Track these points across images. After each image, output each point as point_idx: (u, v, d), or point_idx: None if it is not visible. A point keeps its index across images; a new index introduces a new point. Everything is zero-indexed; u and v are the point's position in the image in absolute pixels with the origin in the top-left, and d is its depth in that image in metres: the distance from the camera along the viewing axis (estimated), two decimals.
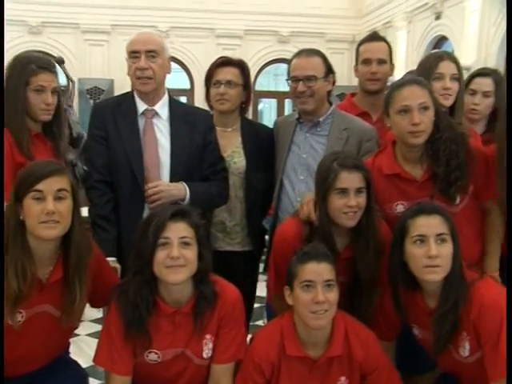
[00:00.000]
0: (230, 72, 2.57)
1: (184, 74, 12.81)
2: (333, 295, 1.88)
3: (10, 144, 2.18)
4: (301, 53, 2.53)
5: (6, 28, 2.83)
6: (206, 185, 2.40)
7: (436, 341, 1.89)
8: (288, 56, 2.66)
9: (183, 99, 13.16)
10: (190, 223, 1.90)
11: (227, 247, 2.60)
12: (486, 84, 2.70)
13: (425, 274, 1.86)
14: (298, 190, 2.45)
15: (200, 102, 2.73)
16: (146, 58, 2.32)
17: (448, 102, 2.45)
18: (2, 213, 1.91)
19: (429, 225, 1.87)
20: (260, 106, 14.05)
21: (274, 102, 13.29)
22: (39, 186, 1.78)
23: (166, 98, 2.43)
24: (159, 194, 2.26)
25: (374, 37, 2.89)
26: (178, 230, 1.87)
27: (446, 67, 2.45)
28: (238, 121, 2.66)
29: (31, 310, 1.87)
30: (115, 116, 2.35)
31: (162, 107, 2.41)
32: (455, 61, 2.50)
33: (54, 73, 2.31)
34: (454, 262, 1.86)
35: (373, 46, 2.81)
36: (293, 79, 2.48)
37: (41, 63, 2.27)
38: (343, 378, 1.95)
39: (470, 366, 1.90)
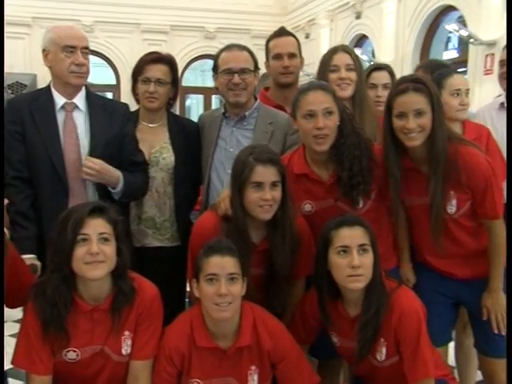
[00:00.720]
0: (160, 70, 2.56)
1: (109, 69, 12.59)
2: (236, 288, 1.92)
3: None
4: (232, 47, 2.57)
5: None
6: (133, 176, 2.40)
7: (360, 348, 1.97)
8: (214, 52, 2.69)
9: (109, 95, 12.95)
10: (108, 219, 1.92)
11: (157, 243, 2.60)
12: (383, 77, 2.86)
13: (348, 282, 1.94)
14: (226, 183, 2.46)
15: (126, 97, 2.71)
16: (83, 54, 2.34)
17: (346, 93, 2.52)
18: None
19: (351, 236, 1.95)
20: (187, 102, 13.99)
21: (201, 97, 13.29)
22: None
23: (83, 90, 2.43)
24: (94, 174, 2.26)
25: (283, 32, 2.94)
26: (96, 226, 1.88)
27: (340, 59, 2.54)
28: (164, 116, 2.66)
29: None
30: (32, 110, 2.32)
31: (81, 100, 2.40)
32: (349, 52, 2.58)
33: None
34: (374, 271, 1.96)
35: (282, 40, 2.87)
36: (226, 71, 2.50)
37: None
38: (253, 367, 2.00)
39: (385, 370, 2.02)
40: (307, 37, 11.14)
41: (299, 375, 2.02)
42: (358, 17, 9.92)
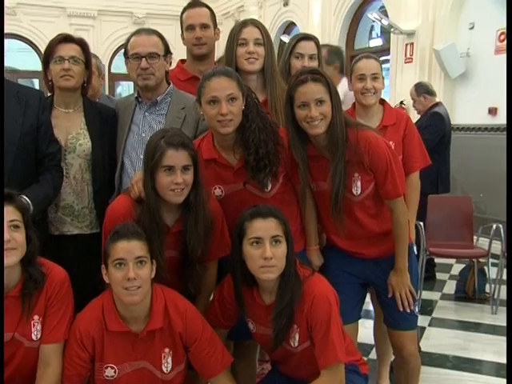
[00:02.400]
0: (72, 48, 2.51)
1: (34, 54, 12.20)
2: (144, 272, 1.93)
3: None
4: (140, 31, 2.55)
5: None
6: (44, 188, 2.35)
7: (275, 336, 2.02)
8: None
9: (35, 82, 12.54)
10: (17, 207, 1.91)
11: (76, 231, 2.56)
12: (310, 47, 2.85)
13: (261, 273, 1.98)
14: (138, 168, 2.45)
15: None
16: None
17: (254, 67, 2.53)
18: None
19: (264, 228, 1.98)
20: (118, 89, 13.75)
21: (131, 84, 13.07)
22: None
23: None
24: None
25: (195, 3, 2.93)
26: (7, 214, 1.87)
27: (249, 32, 2.53)
28: (80, 101, 2.61)
29: None
30: None
31: None
32: (259, 26, 2.58)
33: None
34: (288, 260, 2.00)
35: (194, 11, 2.88)
36: (134, 56, 2.48)
37: None
38: (167, 350, 2.03)
39: (298, 355, 2.08)
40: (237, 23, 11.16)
41: (212, 356, 2.06)
42: (286, 4, 10.03)
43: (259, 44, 2.52)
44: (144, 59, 2.46)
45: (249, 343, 2.46)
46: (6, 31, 2.36)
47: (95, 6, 11.86)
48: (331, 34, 8.79)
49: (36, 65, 11.94)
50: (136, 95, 2.60)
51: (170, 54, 2.59)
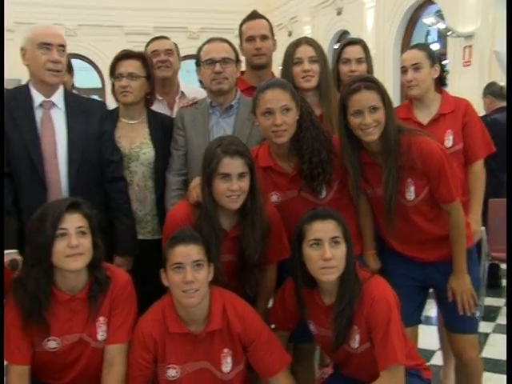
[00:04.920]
0: (131, 64, 2.63)
1: (94, 72, 12.62)
2: (202, 275, 1.98)
3: None
4: (213, 39, 2.67)
5: None
6: (120, 225, 2.51)
7: (335, 337, 2.03)
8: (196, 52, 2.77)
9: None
10: (84, 214, 2.00)
11: (139, 236, 2.65)
12: (357, 51, 2.87)
13: (321, 274, 2.01)
14: None
15: (112, 100, 2.77)
16: (58, 52, 2.38)
17: (310, 84, 2.58)
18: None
19: (323, 229, 2.01)
20: None
21: None
22: None
23: (61, 89, 2.48)
24: None
25: (255, 15, 3.03)
26: (74, 221, 1.95)
27: (303, 51, 2.58)
28: (143, 112, 2.72)
29: None
30: (11, 108, 2.37)
31: (59, 98, 2.45)
32: (312, 44, 2.63)
33: None
34: (347, 262, 2.02)
35: (254, 23, 2.96)
36: (208, 62, 2.58)
37: None
38: (226, 350, 2.07)
39: (359, 356, 2.07)
40: (290, 34, 11.22)
41: (270, 355, 2.09)
42: (339, 13, 10.03)
43: (314, 61, 2.57)
44: (218, 64, 2.55)
45: (308, 346, 2.46)
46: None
47: (151, 23, 12.16)
48: (386, 40, 8.72)
49: (96, 82, 12.36)
50: (209, 100, 2.66)
51: (240, 61, 2.68)
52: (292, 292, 2.14)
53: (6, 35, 10.82)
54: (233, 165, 2.10)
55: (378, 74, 2.84)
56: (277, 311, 2.26)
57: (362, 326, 2.02)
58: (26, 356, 2.00)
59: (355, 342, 2.04)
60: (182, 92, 3.23)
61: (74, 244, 1.92)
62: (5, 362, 2.10)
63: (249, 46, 2.94)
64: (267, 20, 3.03)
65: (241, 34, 3.00)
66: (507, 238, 2.22)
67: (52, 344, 2.01)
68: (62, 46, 2.42)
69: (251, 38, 2.92)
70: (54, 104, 2.44)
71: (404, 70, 2.69)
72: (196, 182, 2.25)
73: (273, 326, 2.28)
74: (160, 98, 3.04)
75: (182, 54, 3.55)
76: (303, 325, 2.20)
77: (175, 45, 3.30)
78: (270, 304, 2.39)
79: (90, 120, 2.46)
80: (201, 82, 2.74)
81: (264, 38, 2.93)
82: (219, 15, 11.81)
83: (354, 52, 2.86)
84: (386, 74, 8.26)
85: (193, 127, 2.65)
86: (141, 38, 12.68)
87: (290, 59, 2.59)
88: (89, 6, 11.59)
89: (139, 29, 12.11)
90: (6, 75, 3.11)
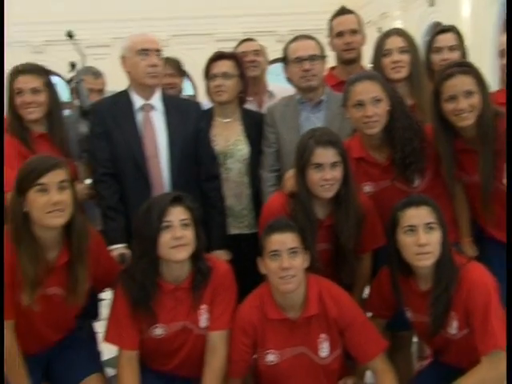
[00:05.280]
0: (224, 64, 2.76)
1: (186, 80, 13.05)
2: (297, 261, 2.05)
3: (14, 143, 2.44)
4: (299, 37, 2.75)
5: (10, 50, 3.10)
6: (215, 222, 2.60)
7: (433, 322, 2.03)
8: None
9: None
10: (187, 207, 2.11)
11: (236, 231, 2.75)
12: (449, 39, 2.84)
13: (416, 260, 2.03)
14: None
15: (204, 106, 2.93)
16: (156, 56, 2.55)
17: (400, 75, 2.58)
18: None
19: (417, 215, 2.03)
20: None
21: None
22: (42, 180, 1.96)
23: (159, 92, 2.64)
24: None
25: (344, 10, 3.08)
26: (178, 214, 2.07)
27: (392, 42, 2.60)
28: (237, 111, 2.84)
29: (42, 292, 2.04)
30: (114, 113, 2.55)
31: (157, 101, 2.61)
32: (402, 34, 2.63)
33: (33, 73, 2.52)
34: (443, 247, 2.02)
35: (344, 18, 3.03)
36: (296, 60, 2.65)
37: (19, 67, 2.53)
38: (323, 335, 2.12)
39: (457, 342, 2.06)
40: (379, 31, 11.05)
41: (367, 340, 2.12)
42: (432, 4, 9.76)
43: (403, 52, 2.59)
44: (306, 62, 2.62)
45: (404, 334, 2.47)
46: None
47: (240, 29, 12.40)
48: (484, 29, 8.37)
49: (188, 90, 12.76)
50: (298, 97, 2.74)
51: (326, 57, 2.74)
52: (388, 280, 2.16)
53: (104, 51, 11.49)
54: (325, 155, 2.16)
55: (474, 61, 2.78)
56: (373, 299, 2.29)
57: (460, 312, 2.00)
58: (135, 342, 2.14)
59: (453, 328, 2.03)
60: (270, 91, 3.32)
61: (178, 235, 2.04)
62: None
63: (338, 42, 3.00)
64: (356, 15, 3.07)
65: (330, 30, 3.06)
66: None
67: (158, 331, 2.15)
68: (158, 51, 2.58)
69: (341, 34, 2.98)
70: (153, 106, 2.59)
71: (502, 55, 2.63)
72: (290, 173, 2.32)
73: (369, 314, 2.30)
74: (249, 98, 3.14)
75: (271, 57, 3.65)
76: (400, 313, 2.21)
77: (262, 46, 3.40)
78: (365, 293, 2.42)
79: (187, 119, 2.60)
80: (288, 79, 2.81)
81: (353, 32, 2.98)
82: (307, 16, 11.81)
83: (445, 40, 2.83)
84: (484, 60, 7.96)
85: (283, 124, 2.73)
86: (231, 44, 12.80)
87: (379, 51, 2.62)
88: (179, 16, 11.99)
89: (229, 35, 12.37)
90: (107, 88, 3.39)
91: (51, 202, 1.95)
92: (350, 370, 2.24)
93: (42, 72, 2.56)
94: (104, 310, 2.65)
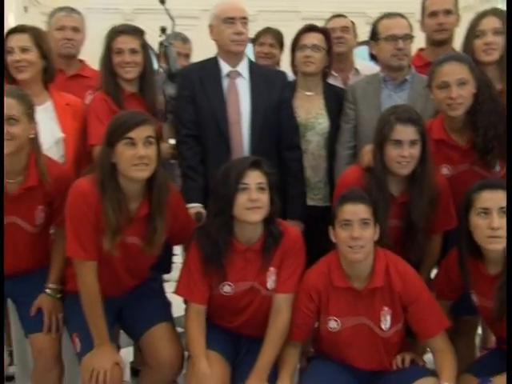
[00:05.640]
0: (315, 37, 2.80)
1: None
2: (368, 233, 2.08)
3: (106, 100, 2.58)
4: (392, 14, 2.74)
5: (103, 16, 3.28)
6: (295, 191, 2.67)
7: (498, 307, 2.03)
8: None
9: None
10: (264, 172, 2.18)
11: (310, 202, 2.80)
12: (494, 22, 2.62)
13: (488, 243, 2.02)
14: None
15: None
16: (241, 24, 2.62)
17: (491, 57, 2.51)
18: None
19: (492, 199, 2.02)
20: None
21: None
22: (131, 134, 2.08)
23: (246, 59, 2.72)
24: None
25: None
26: (255, 177, 2.15)
27: (487, 23, 2.52)
28: (320, 85, 2.87)
29: (121, 239, 2.18)
30: (201, 77, 2.65)
31: (244, 68, 2.69)
32: (499, 15, 2.54)
33: (132, 34, 2.64)
34: None
35: None
36: (390, 38, 2.65)
37: (119, 28, 2.66)
38: (386, 308, 2.15)
39: None
40: None
41: (429, 317, 2.13)
42: None
43: (498, 33, 2.52)
44: (400, 40, 2.62)
45: (469, 320, 2.46)
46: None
47: (328, 8, 12.23)
48: None
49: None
50: (382, 75, 2.76)
51: (413, 37, 2.72)
52: (456, 262, 2.17)
53: (191, 22, 11.73)
54: (405, 132, 2.17)
55: None
56: (440, 280, 2.30)
57: None
58: (204, 296, 2.25)
59: None
60: (356, 69, 3.33)
61: (253, 198, 2.12)
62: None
63: (431, 22, 2.96)
64: None
65: (423, 9, 3.02)
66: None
67: (227, 289, 2.24)
68: (244, 19, 2.64)
69: (434, 13, 2.94)
70: (239, 73, 2.68)
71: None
72: (368, 148, 2.35)
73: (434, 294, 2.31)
74: (335, 74, 3.16)
75: (361, 39, 3.64)
76: (466, 296, 2.21)
77: (352, 23, 3.40)
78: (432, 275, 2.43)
79: (272, 89, 2.67)
80: (372, 56, 2.82)
81: (448, 12, 2.93)
82: None
83: (490, 23, 2.65)
84: None
85: (364, 101, 2.75)
86: (317, 23, 12.93)
87: (472, 32, 2.57)
88: None
89: (316, 14, 12.26)
90: (193, 59, 3.50)
91: (137, 156, 2.07)
92: (410, 347, 2.27)
93: (140, 33, 2.68)
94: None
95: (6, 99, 2.15)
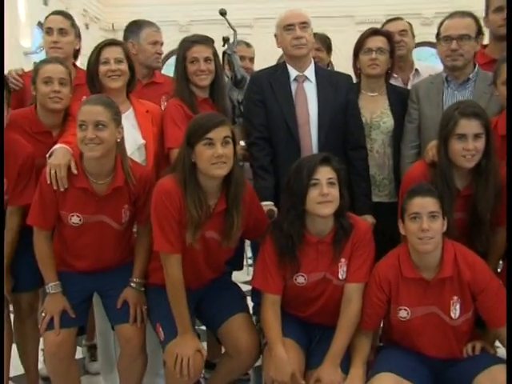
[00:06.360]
0: (379, 40, 2.90)
1: None
2: (437, 225, 2.16)
3: (181, 105, 2.74)
4: (454, 14, 2.80)
5: (162, 28, 3.53)
6: (361, 189, 2.78)
7: None
8: (433, 39, 2.93)
9: None
10: (334, 167, 2.30)
11: (376, 198, 2.89)
12: None
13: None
14: None
15: None
16: (300, 29, 2.76)
17: None
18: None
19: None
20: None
21: None
22: (209, 135, 2.23)
23: (312, 64, 2.86)
24: None
25: None
26: (325, 173, 2.27)
27: None
28: (383, 86, 2.98)
29: (202, 233, 2.33)
30: (271, 82, 2.80)
31: (311, 72, 2.83)
32: None
33: (205, 44, 2.80)
34: None
35: None
36: (445, 38, 2.74)
37: (193, 38, 2.82)
38: (455, 298, 2.22)
39: None
40: None
41: (498, 306, 2.19)
42: None
43: None
44: (454, 41, 2.69)
45: None
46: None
47: (382, 12, 12.25)
48: None
49: None
50: (445, 75, 2.82)
51: (482, 35, 2.78)
52: None
53: (245, 31, 11.91)
54: (469, 125, 2.26)
55: None
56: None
57: None
58: (279, 287, 2.38)
59: None
60: (416, 69, 3.42)
61: (325, 192, 2.24)
62: None
63: (496, 17, 3.00)
64: None
65: (487, 5, 3.07)
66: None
67: (300, 279, 2.37)
68: (304, 23, 2.77)
69: (500, 8, 2.97)
70: (306, 78, 2.82)
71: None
72: (433, 143, 2.44)
73: None
74: (395, 75, 3.25)
75: (417, 40, 3.67)
76: None
77: (410, 24, 3.47)
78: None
79: (338, 91, 2.79)
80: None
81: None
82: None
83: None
84: None
85: (427, 100, 2.82)
86: (372, 26, 12.93)
87: None
88: None
89: (370, 17, 12.32)
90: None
91: (216, 155, 2.22)
92: (480, 336, 2.34)
93: (211, 42, 2.85)
94: None
95: (94, 107, 2.35)
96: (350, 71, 3.03)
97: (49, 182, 2.36)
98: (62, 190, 2.37)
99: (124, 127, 2.49)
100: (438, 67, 3.02)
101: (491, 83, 2.57)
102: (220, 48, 3.06)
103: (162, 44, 3.37)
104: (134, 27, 3.40)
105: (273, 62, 3.15)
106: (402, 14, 12.44)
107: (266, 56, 2.88)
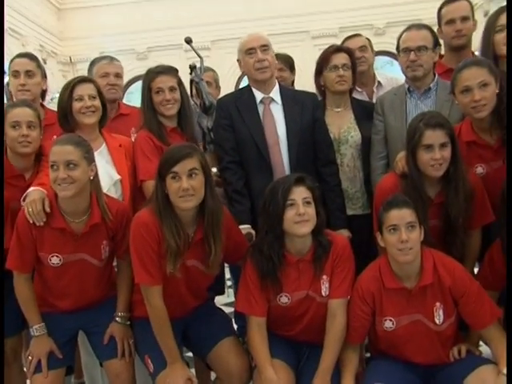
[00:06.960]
0: (343, 57, 2.96)
1: None
2: (415, 235, 2.21)
3: (150, 137, 2.75)
4: (411, 27, 2.89)
5: (120, 57, 3.54)
6: (335, 204, 2.82)
7: None
8: (388, 48, 3.01)
9: None
10: (308, 187, 2.34)
11: (350, 212, 2.94)
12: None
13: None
14: None
15: None
16: (261, 52, 2.81)
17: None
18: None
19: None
20: None
21: None
22: (175, 169, 2.24)
23: (277, 85, 2.91)
24: None
25: None
26: (300, 193, 2.31)
27: (504, 19, 2.62)
28: (348, 101, 3.04)
29: (182, 262, 2.33)
30: (237, 106, 2.84)
31: (276, 94, 2.88)
32: None
33: (169, 73, 2.82)
34: None
35: (455, 5, 3.08)
36: (404, 50, 2.81)
37: (157, 69, 2.84)
38: (438, 304, 2.27)
39: None
40: (486, 14, 10.74)
41: (480, 308, 2.24)
42: None
43: None
44: (413, 52, 2.77)
45: None
46: None
47: (336, 25, 12.47)
48: None
49: None
50: (406, 86, 2.90)
51: (439, 45, 2.86)
52: (500, 252, 2.29)
53: (204, 53, 11.99)
54: (434, 136, 2.32)
55: None
56: (485, 272, 2.42)
57: None
58: (264, 309, 2.40)
59: None
60: (379, 81, 3.50)
61: (301, 212, 2.27)
62: None
63: (448, 29, 3.07)
64: (468, 1, 3.11)
65: (439, 18, 3.14)
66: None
67: (284, 299, 2.39)
68: (264, 46, 2.82)
69: (452, 21, 3.05)
70: (272, 99, 2.87)
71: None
72: (401, 155, 2.50)
73: None
74: (359, 89, 3.33)
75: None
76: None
77: (368, 40, 3.57)
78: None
79: (304, 110, 2.84)
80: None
81: (464, 19, 3.04)
82: (405, 7, 11.67)
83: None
84: None
85: (391, 111, 2.90)
86: (327, 40, 13.14)
87: (491, 27, 2.70)
88: (275, 15, 12.24)
89: (325, 31, 12.52)
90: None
91: (182, 188, 2.23)
92: (464, 339, 2.38)
93: (175, 72, 2.88)
94: None
95: (64, 147, 2.34)
96: (308, 85, 3.07)
97: (30, 220, 2.34)
98: (41, 224, 2.36)
99: (99, 164, 2.49)
100: (401, 78, 3.09)
101: (450, 92, 2.65)
102: (184, 74, 3.09)
103: (116, 74, 3.35)
104: (90, 65, 3.43)
105: (233, 82, 3.20)
106: (355, 25, 12.80)
107: (225, 77, 2.92)
